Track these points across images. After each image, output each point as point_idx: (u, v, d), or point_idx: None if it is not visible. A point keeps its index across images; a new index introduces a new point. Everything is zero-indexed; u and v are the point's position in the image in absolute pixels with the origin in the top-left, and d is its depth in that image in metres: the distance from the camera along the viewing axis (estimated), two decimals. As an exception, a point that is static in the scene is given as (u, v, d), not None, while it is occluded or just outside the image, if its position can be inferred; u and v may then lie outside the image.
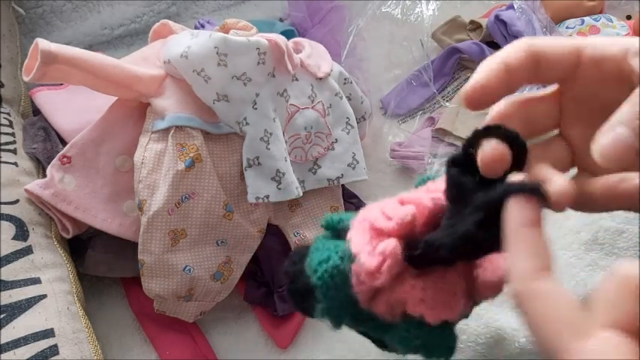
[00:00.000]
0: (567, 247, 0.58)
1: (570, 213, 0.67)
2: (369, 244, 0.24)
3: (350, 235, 0.25)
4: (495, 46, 0.74)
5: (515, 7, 0.69)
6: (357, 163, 0.58)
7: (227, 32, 0.55)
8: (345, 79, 0.60)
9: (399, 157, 0.66)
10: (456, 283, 0.25)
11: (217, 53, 0.48)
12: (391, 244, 0.23)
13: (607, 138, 0.20)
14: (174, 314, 0.51)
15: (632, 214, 0.61)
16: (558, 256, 0.57)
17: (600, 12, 0.77)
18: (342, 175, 0.57)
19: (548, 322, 0.18)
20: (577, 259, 0.57)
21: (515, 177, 0.22)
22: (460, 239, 0.22)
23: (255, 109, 0.51)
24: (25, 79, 0.46)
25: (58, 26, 0.73)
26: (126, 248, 0.50)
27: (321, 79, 0.57)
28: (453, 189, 0.23)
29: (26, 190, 0.49)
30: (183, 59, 0.48)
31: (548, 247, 0.20)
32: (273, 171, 0.51)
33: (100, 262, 0.53)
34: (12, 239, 0.46)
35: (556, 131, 0.27)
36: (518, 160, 0.23)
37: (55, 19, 0.73)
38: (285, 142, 0.54)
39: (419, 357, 0.26)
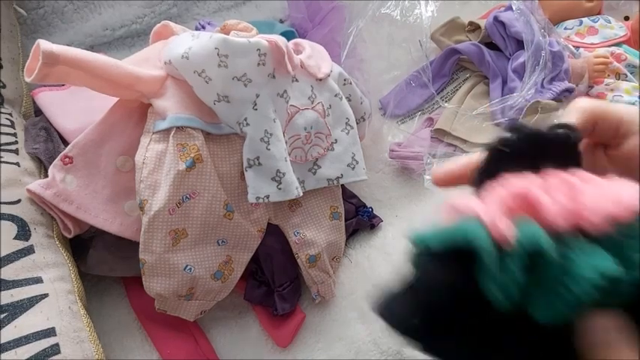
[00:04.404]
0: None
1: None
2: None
3: None
4: (494, 46, 0.74)
5: (514, 8, 0.70)
6: (357, 163, 0.59)
7: (228, 33, 0.55)
8: (345, 79, 0.60)
9: (398, 157, 0.66)
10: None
11: (218, 54, 0.49)
12: None
13: None
14: (175, 313, 0.51)
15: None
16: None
17: (598, 13, 0.77)
18: (342, 175, 0.57)
19: None
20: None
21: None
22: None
23: (256, 109, 0.51)
24: (27, 79, 0.46)
25: (59, 27, 0.74)
26: (127, 248, 0.51)
27: (321, 80, 0.57)
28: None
29: (28, 190, 0.49)
30: (184, 60, 0.49)
31: None
32: (273, 171, 0.51)
33: (102, 261, 0.53)
34: (14, 239, 0.46)
35: None
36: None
37: (56, 19, 0.74)
38: (285, 142, 0.54)
39: None
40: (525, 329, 0.19)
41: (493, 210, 0.20)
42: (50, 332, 0.42)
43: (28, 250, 0.47)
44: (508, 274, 0.19)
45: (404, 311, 0.20)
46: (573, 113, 0.25)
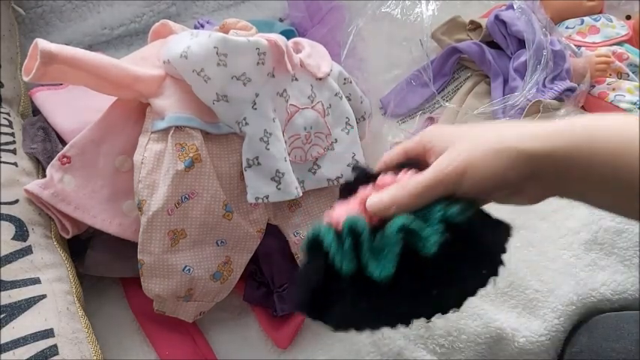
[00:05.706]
0: (567, 247, 0.58)
1: (570, 212, 0.67)
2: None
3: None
4: (495, 45, 0.74)
5: (515, 7, 0.69)
6: (357, 163, 0.58)
7: (227, 32, 0.55)
8: (345, 79, 0.60)
9: (398, 157, 0.65)
10: None
11: (217, 53, 0.48)
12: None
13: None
14: (174, 314, 0.51)
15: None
16: (558, 256, 0.57)
17: (600, 12, 0.77)
18: (342, 175, 0.57)
19: None
20: (577, 259, 0.57)
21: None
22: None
23: (255, 109, 0.51)
24: (25, 79, 0.46)
25: (57, 26, 0.73)
26: (125, 248, 0.50)
27: (320, 79, 0.57)
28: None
29: (26, 190, 0.49)
30: (182, 59, 0.48)
31: None
32: (272, 171, 0.51)
33: (100, 262, 0.53)
34: (12, 239, 0.46)
35: None
36: None
37: (54, 19, 0.73)
38: (285, 142, 0.54)
39: None
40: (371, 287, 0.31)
41: (339, 214, 0.33)
42: (48, 333, 0.42)
43: (26, 251, 0.46)
44: (343, 248, 0.31)
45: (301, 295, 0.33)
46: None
